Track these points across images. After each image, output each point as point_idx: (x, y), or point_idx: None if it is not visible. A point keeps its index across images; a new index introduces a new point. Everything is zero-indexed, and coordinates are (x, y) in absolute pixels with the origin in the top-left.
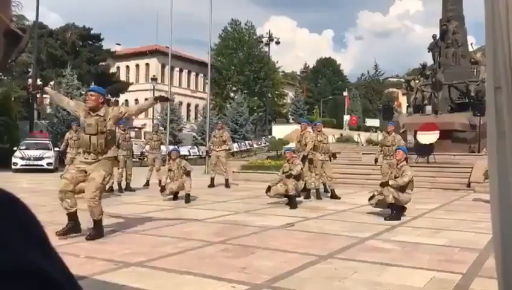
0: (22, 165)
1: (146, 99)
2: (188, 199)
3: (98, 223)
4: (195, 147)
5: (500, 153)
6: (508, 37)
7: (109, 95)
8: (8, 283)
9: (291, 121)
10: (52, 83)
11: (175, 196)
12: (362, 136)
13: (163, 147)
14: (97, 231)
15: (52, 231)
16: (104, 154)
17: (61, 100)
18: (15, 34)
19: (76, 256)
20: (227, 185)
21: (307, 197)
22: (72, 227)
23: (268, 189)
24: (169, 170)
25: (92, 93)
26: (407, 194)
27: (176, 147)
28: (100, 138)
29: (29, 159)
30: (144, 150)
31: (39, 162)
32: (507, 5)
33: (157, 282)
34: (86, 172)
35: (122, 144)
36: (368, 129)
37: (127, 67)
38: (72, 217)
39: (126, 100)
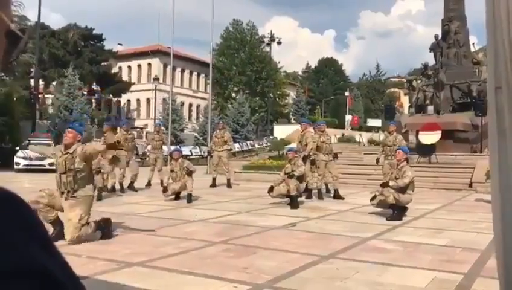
0: (24, 165)
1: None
2: (190, 198)
3: (100, 229)
4: (197, 147)
5: (501, 153)
6: (509, 38)
7: (111, 96)
8: (11, 283)
9: (292, 121)
10: (54, 83)
11: (177, 196)
12: (364, 136)
13: (164, 147)
14: (106, 233)
15: (52, 230)
16: (74, 193)
17: (45, 150)
18: (15, 34)
19: (78, 256)
20: (228, 185)
21: (309, 197)
22: (58, 234)
23: (271, 189)
24: (172, 171)
25: (69, 130)
26: (408, 195)
27: (178, 147)
28: (68, 176)
29: (31, 159)
30: (145, 150)
31: (41, 162)
32: (508, 7)
33: (158, 282)
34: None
35: (123, 145)
36: (369, 129)
37: (129, 67)
38: (54, 224)
39: (128, 100)
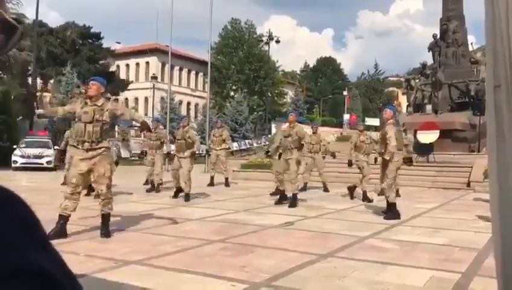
0: (21, 164)
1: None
2: (187, 198)
3: (108, 218)
4: None
5: (499, 152)
6: (508, 36)
7: (108, 94)
8: (10, 283)
9: None
10: (52, 81)
11: (176, 194)
12: None
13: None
14: (108, 227)
15: (51, 228)
16: (99, 144)
17: (54, 112)
18: (10, 24)
19: (76, 254)
20: (227, 183)
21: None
22: (61, 229)
23: (267, 153)
24: (175, 138)
25: (93, 82)
26: (397, 156)
27: (186, 116)
28: (96, 126)
29: (29, 157)
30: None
31: (39, 161)
32: (507, 5)
33: (156, 280)
34: (88, 170)
35: (149, 144)
36: (367, 128)
37: (127, 65)
38: (65, 219)
39: (126, 98)
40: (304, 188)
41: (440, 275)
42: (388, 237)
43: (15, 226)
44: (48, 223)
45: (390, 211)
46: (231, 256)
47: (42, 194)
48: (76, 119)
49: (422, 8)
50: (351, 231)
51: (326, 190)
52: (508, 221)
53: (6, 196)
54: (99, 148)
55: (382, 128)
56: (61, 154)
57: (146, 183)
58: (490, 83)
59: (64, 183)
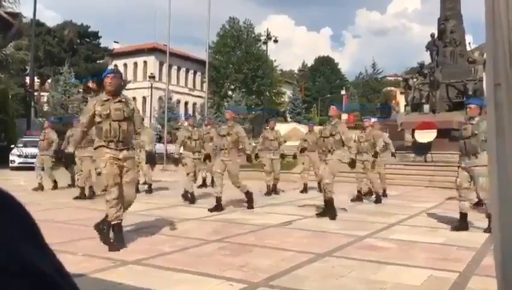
0: (19, 163)
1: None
2: (192, 197)
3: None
4: None
5: (499, 151)
6: (508, 34)
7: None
8: (8, 281)
9: (289, 119)
10: (49, 80)
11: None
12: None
13: (160, 145)
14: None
15: (47, 229)
16: (131, 144)
17: (80, 134)
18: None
19: (74, 254)
20: (203, 184)
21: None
22: (120, 237)
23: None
24: (189, 138)
25: (115, 75)
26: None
27: (190, 114)
28: (129, 124)
29: (26, 156)
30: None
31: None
32: (507, 2)
33: (154, 280)
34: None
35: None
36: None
37: (125, 65)
38: (120, 226)
39: None
40: (305, 189)
41: (438, 274)
42: (386, 237)
43: (12, 227)
44: (44, 223)
45: (330, 209)
46: (229, 256)
47: (39, 193)
48: (100, 118)
49: (419, 7)
50: (348, 231)
51: (321, 190)
52: (508, 220)
53: (3, 196)
54: (131, 148)
55: (330, 125)
56: (59, 153)
57: (144, 183)
58: (490, 81)
59: (78, 198)
